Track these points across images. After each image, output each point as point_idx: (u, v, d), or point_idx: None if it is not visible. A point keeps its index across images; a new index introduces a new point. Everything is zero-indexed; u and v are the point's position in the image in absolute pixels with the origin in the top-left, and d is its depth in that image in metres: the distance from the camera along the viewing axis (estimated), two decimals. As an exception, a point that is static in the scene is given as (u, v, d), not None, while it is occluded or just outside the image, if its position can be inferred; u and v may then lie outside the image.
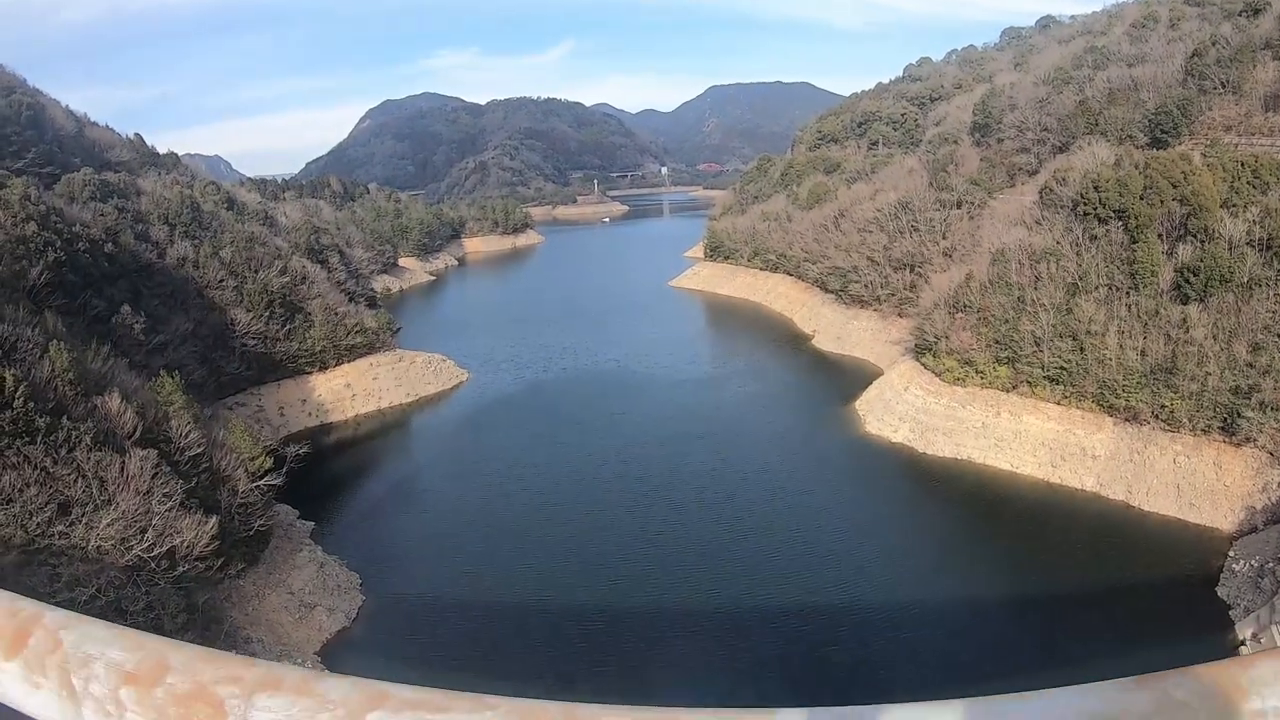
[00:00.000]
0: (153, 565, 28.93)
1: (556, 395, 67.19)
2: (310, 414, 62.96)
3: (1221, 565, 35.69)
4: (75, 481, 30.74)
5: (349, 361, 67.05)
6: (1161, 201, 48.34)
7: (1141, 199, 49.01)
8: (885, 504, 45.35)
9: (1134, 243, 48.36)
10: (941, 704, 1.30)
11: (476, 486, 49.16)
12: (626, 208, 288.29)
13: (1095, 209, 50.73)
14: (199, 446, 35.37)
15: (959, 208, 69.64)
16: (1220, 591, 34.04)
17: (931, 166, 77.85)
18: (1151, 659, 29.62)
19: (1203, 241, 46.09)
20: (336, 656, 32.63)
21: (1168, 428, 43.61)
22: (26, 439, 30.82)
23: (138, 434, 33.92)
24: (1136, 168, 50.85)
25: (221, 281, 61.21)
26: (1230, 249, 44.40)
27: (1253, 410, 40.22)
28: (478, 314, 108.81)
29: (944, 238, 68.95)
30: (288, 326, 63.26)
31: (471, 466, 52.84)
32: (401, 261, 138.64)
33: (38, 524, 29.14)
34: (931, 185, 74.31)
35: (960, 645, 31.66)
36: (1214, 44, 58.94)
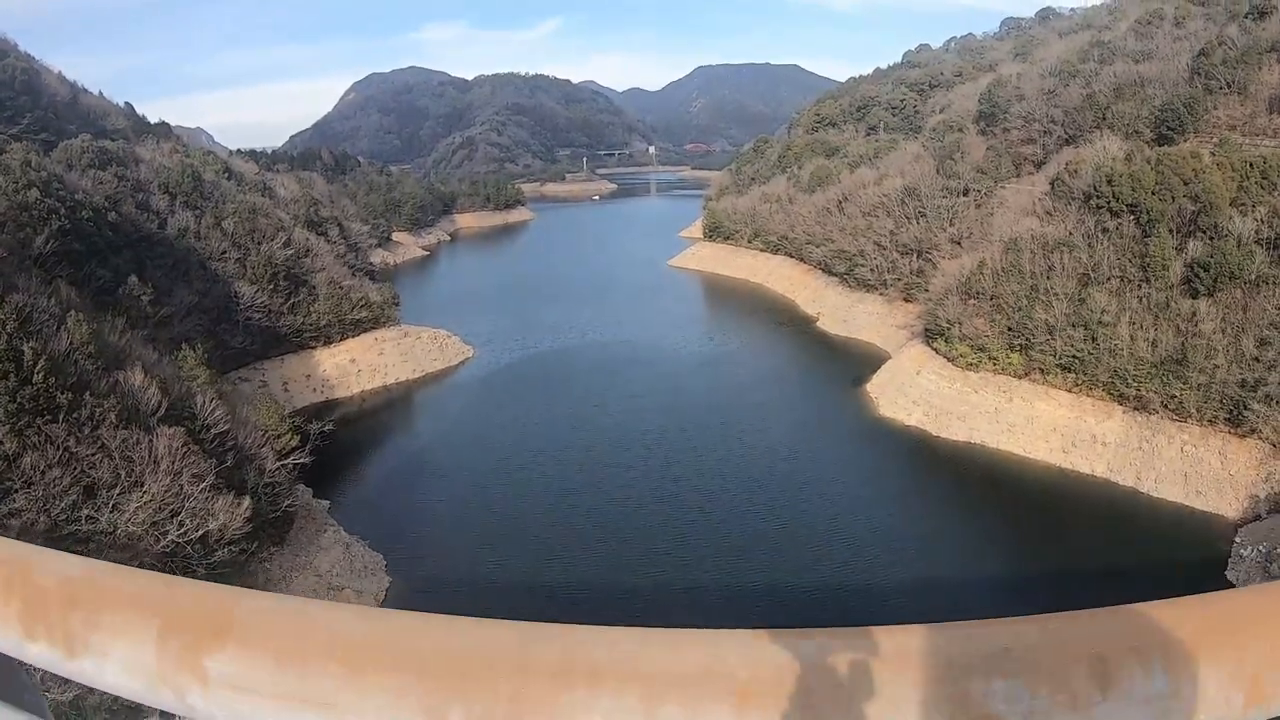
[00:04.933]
0: (189, 550, 28.49)
1: (566, 376, 66.32)
2: (315, 390, 62.23)
3: (1228, 550, 36.78)
4: (101, 462, 29.81)
5: (354, 336, 66.22)
6: (1173, 198, 49.06)
7: (1154, 194, 49.66)
8: (910, 491, 45.82)
9: (1146, 236, 49.05)
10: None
11: (492, 466, 48.62)
12: (615, 186, 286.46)
13: (1108, 202, 51.32)
14: (225, 424, 34.83)
15: (966, 195, 70.02)
16: (1230, 575, 35.15)
17: (937, 154, 78.01)
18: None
19: (1212, 238, 46.89)
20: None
21: (1176, 417, 44.55)
22: (48, 416, 29.84)
23: (162, 411, 33.28)
24: (1149, 163, 51.44)
25: (224, 253, 60.06)
26: (1239, 246, 45.25)
27: (1258, 403, 41.20)
28: (476, 290, 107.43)
29: (951, 224, 69.36)
30: (292, 300, 62.28)
31: (485, 445, 52.30)
32: (395, 236, 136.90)
33: (62, 508, 28.28)
34: (938, 172, 74.53)
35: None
36: (1220, 44, 59.30)
